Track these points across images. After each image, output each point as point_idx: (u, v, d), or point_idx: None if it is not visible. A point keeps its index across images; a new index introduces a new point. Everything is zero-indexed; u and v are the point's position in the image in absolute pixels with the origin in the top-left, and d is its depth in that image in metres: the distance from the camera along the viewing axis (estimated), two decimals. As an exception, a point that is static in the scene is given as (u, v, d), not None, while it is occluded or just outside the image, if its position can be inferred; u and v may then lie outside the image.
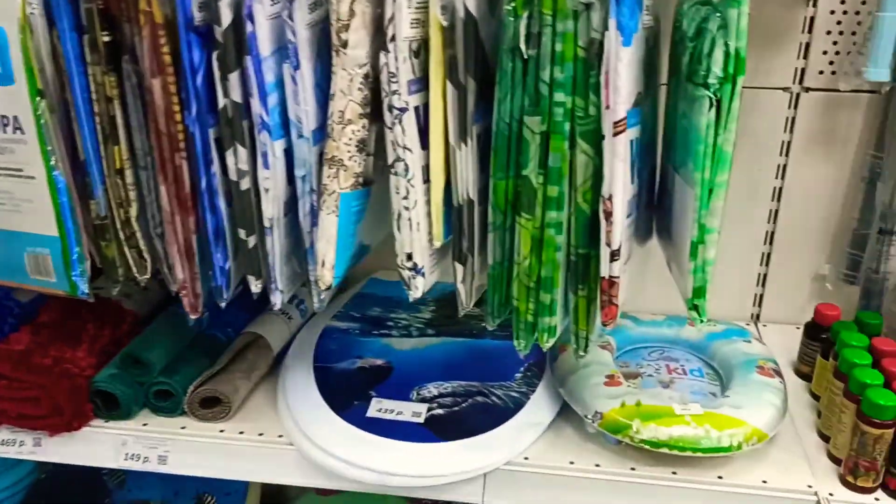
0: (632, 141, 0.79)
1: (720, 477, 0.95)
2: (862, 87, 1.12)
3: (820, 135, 1.18)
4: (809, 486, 0.94)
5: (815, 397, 1.10)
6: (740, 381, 1.03)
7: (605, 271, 0.80)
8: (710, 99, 0.76)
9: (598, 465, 0.97)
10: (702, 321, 0.83)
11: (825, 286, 1.24)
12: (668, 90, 0.91)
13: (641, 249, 0.99)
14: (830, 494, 0.93)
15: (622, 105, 0.75)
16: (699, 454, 0.93)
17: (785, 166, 1.20)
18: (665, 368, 1.10)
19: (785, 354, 1.19)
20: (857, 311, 1.16)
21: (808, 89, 1.15)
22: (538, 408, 1.02)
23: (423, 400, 1.01)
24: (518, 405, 1.01)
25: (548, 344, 0.86)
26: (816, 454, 1.00)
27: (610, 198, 0.77)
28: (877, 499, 0.93)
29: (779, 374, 1.05)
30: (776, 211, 1.23)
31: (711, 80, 0.75)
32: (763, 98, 1.17)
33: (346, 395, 1.01)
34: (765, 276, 1.27)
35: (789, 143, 1.19)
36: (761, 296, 1.29)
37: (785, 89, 1.16)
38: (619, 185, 0.77)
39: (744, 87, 1.17)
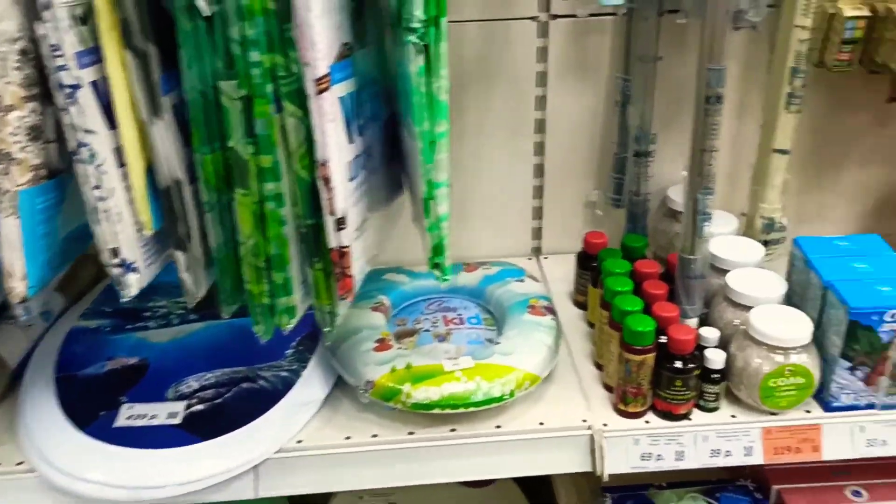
0: (344, 97, 0.72)
1: (498, 426, 0.93)
2: (604, 11, 1.11)
3: (573, 62, 1.16)
4: (584, 421, 0.94)
5: (592, 326, 1.10)
6: (512, 324, 1.01)
7: (332, 242, 0.74)
8: (416, 44, 0.70)
9: (375, 436, 0.92)
10: (446, 279, 0.79)
11: (597, 212, 1.24)
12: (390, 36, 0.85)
13: (407, 198, 0.93)
14: (605, 425, 0.93)
15: (322, 60, 0.68)
16: (473, 409, 0.90)
17: (544, 97, 1.18)
18: (442, 320, 1.07)
19: (565, 286, 1.19)
20: (623, 234, 1.17)
21: (555, 16, 1.13)
22: (310, 385, 0.96)
23: (182, 397, 0.93)
24: (287, 385, 0.95)
25: (289, 326, 0.79)
26: (593, 385, 1.00)
27: (325, 163, 0.71)
28: (647, 421, 0.94)
29: (551, 310, 1.05)
30: (542, 143, 1.21)
31: (415, 24, 0.69)
32: (513, 29, 1.13)
33: (92, 405, 0.91)
34: (540, 208, 1.26)
35: (545, 73, 1.16)
36: (539, 229, 1.28)
37: (532, 18, 1.13)
38: (333, 147, 0.71)
39: (491, 20, 1.16)
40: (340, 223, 0.73)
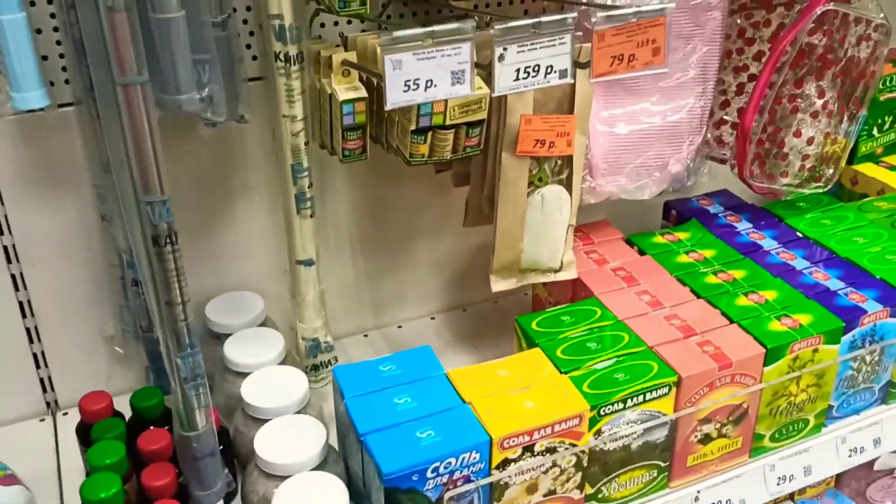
0: None
1: None
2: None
3: (35, 169, 0.87)
4: None
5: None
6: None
7: None
8: None
9: None
10: None
11: (116, 350, 0.97)
12: None
13: None
14: None
15: None
16: None
17: (5, 216, 0.88)
18: None
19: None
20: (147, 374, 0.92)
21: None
22: None
23: None
24: None
25: None
26: None
27: None
28: None
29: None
30: (19, 273, 0.91)
31: None
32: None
33: None
34: (43, 353, 0.96)
35: (-4, 186, 0.87)
36: (48, 379, 0.98)
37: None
38: None
39: None
40: None
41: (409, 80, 0.64)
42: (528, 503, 0.79)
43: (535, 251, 0.90)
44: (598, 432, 0.81)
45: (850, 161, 1.24)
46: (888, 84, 1.21)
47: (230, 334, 0.94)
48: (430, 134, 0.81)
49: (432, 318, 1.16)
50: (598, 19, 0.68)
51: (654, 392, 0.82)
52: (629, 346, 0.87)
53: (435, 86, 0.65)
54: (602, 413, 0.80)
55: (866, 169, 1.23)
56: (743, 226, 1.10)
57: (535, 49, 0.67)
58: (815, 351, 0.89)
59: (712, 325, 0.91)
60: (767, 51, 1.03)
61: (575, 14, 0.68)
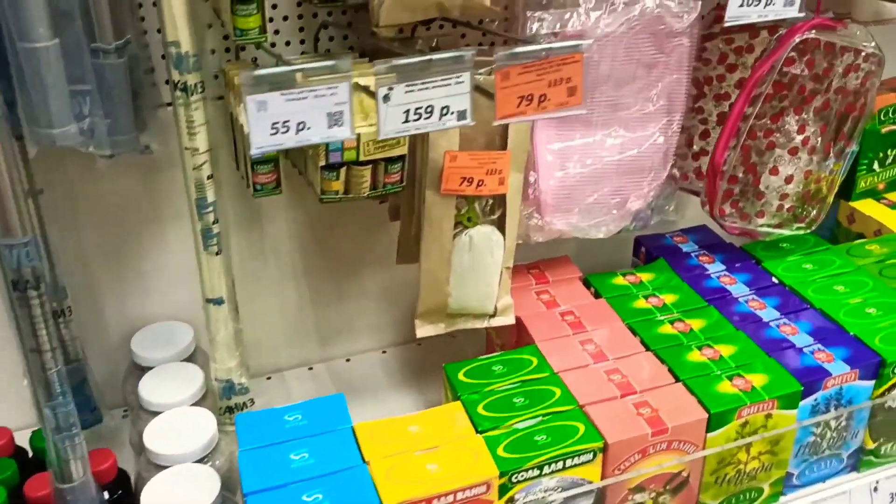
0: None
1: None
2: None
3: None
4: None
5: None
6: None
7: None
8: None
9: None
10: None
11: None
12: None
13: None
14: None
15: None
16: None
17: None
18: None
19: None
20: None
21: None
22: None
23: None
24: None
25: None
26: None
27: None
28: None
29: None
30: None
31: None
32: None
33: None
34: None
35: None
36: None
37: None
38: None
39: None
40: None
41: (276, 123, 0.58)
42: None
43: (462, 295, 0.84)
44: (511, 501, 0.74)
45: (848, 197, 1.14)
46: (890, 115, 1.11)
47: (153, 367, 0.90)
48: (343, 170, 0.75)
49: (383, 352, 1.10)
50: (499, 56, 0.61)
51: (576, 458, 0.75)
52: (558, 404, 0.80)
53: (309, 128, 0.59)
54: (514, 480, 0.74)
55: (865, 206, 1.13)
56: (715, 268, 1.01)
57: (427, 88, 0.60)
58: (769, 416, 0.81)
59: (656, 382, 0.83)
60: (747, 79, 0.95)
61: (474, 50, 0.61)
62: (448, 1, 0.71)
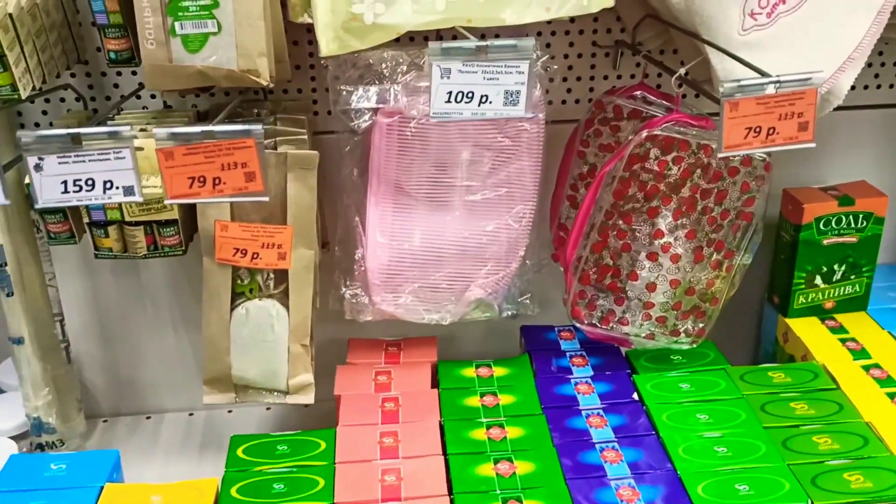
0: None
1: None
2: None
3: None
4: None
5: None
6: None
7: None
8: None
9: None
10: None
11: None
12: None
13: None
14: None
15: None
16: None
17: None
18: None
19: None
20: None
21: None
22: None
23: None
24: None
25: None
26: None
27: None
28: None
29: None
30: None
31: None
32: None
33: None
34: None
35: None
36: None
37: None
38: None
39: None
40: None
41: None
42: None
43: (243, 368, 0.82)
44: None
45: (785, 312, 1.00)
46: (833, 226, 0.96)
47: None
48: (115, 228, 0.76)
49: (268, 409, 1.09)
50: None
51: (293, 559, 0.70)
52: (315, 499, 0.76)
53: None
54: (216, 571, 0.70)
55: (801, 326, 0.98)
56: (581, 373, 0.92)
57: (83, 161, 0.60)
58: (535, 553, 0.72)
59: (428, 491, 0.76)
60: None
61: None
62: (212, 71, 0.71)
